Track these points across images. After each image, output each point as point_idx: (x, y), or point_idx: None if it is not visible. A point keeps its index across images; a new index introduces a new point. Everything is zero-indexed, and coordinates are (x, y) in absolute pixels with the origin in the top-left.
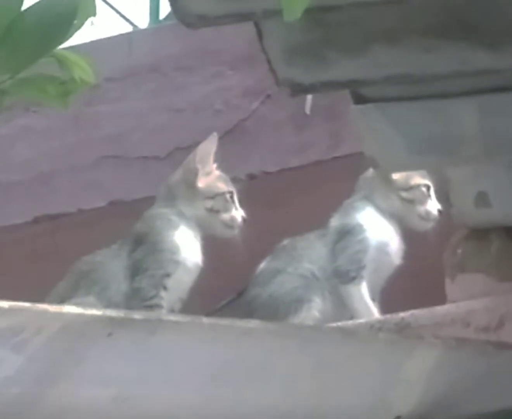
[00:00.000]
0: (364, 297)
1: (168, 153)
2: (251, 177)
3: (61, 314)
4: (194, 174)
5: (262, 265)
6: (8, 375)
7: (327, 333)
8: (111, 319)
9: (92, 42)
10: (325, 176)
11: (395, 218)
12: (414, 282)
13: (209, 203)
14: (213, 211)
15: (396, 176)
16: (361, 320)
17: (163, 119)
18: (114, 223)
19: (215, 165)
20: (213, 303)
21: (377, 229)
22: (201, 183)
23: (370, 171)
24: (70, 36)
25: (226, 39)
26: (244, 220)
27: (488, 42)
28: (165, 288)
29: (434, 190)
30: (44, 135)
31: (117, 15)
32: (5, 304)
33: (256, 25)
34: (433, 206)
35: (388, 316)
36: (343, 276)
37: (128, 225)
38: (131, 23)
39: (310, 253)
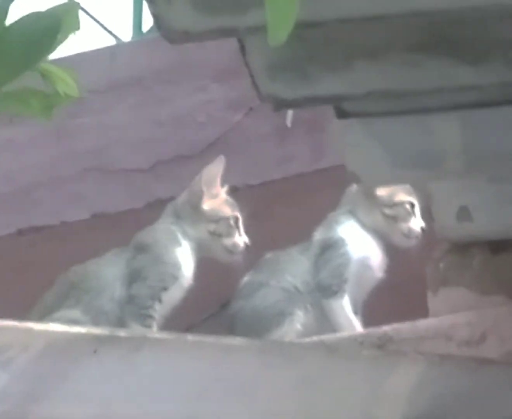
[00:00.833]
0: (346, 311)
1: (151, 165)
2: (234, 189)
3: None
4: (199, 196)
5: (245, 278)
6: None
7: (311, 349)
8: (96, 337)
9: (75, 54)
10: (307, 188)
11: (378, 234)
12: (396, 296)
13: (212, 227)
14: (216, 234)
15: (380, 192)
16: (344, 334)
17: (146, 131)
18: (97, 236)
19: (224, 189)
20: (196, 315)
21: (360, 243)
22: (206, 205)
23: (355, 185)
24: (54, 49)
25: (209, 52)
26: (247, 246)
27: (471, 58)
28: (160, 301)
29: (419, 207)
30: (27, 147)
31: (101, 28)
32: None
33: (239, 40)
34: (416, 224)
35: (371, 329)
36: (326, 290)
37: (111, 237)
38: (114, 36)
39: (293, 267)
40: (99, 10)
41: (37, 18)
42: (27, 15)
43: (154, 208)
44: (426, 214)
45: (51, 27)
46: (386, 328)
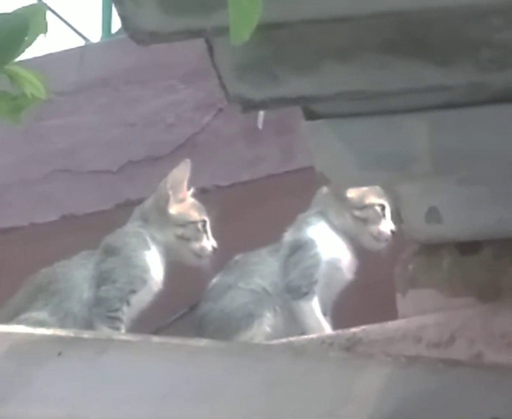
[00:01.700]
0: (315, 313)
1: (120, 167)
2: (203, 191)
3: (10, 334)
4: (165, 200)
5: (214, 280)
6: None
7: (277, 351)
8: (60, 339)
9: (44, 55)
10: (276, 190)
11: (348, 235)
12: (365, 297)
13: (180, 231)
14: (184, 239)
15: (350, 194)
16: (312, 336)
17: (115, 133)
18: (66, 237)
19: (189, 192)
20: (164, 317)
21: (329, 245)
22: (173, 210)
23: (326, 187)
24: (21, 52)
25: (178, 53)
26: (215, 250)
27: (439, 59)
28: (128, 303)
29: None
30: None
31: (69, 29)
32: None
33: (207, 41)
34: (386, 226)
35: (340, 331)
36: (295, 291)
37: (80, 239)
38: (83, 37)
39: (262, 269)
40: (68, 11)
41: (4, 19)
42: None
43: (124, 210)
44: (395, 216)
45: (19, 29)
46: (355, 330)
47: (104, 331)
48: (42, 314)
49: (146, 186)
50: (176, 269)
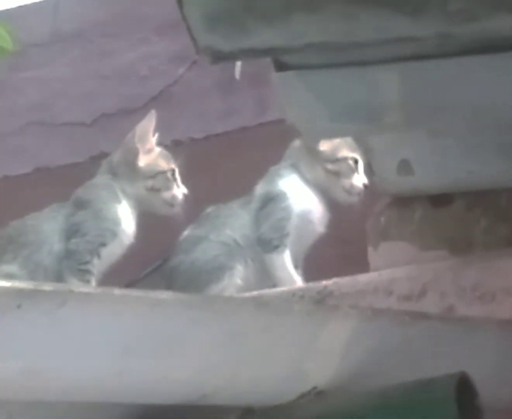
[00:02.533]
0: (287, 265)
1: (94, 119)
2: (177, 143)
3: None
4: (134, 154)
5: (185, 233)
6: None
7: (240, 304)
8: (20, 291)
9: (17, 7)
10: (250, 142)
11: (320, 189)
12: (337, 250)
13: (150, 183)
14: (154, 190)
15: (323, 147)
16: (283, 288)
17: (88, 85)
18: (40, 189)
19: (154, 140)
20: (137, 270)
21: (301, 197)
22: (141, 162)
23: (298, 139)
24: None
25: (151, 5)
26: (185, 196)
27: (409, 9)
28: (99, 256)
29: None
30: None
31: None
32: None
33: None
34: (359, 180)
35: (311, 284)
36: (266, 244)
37: (54, 191)
38: None
39: (233, 221)
40: None
41: None
42: None
43: (98, 162)
44: (367, 169)
45: None
46: (326, 283)
47: (75, 284)
48: (12, 267)
49: (120, 139)
50: (148, 221)
